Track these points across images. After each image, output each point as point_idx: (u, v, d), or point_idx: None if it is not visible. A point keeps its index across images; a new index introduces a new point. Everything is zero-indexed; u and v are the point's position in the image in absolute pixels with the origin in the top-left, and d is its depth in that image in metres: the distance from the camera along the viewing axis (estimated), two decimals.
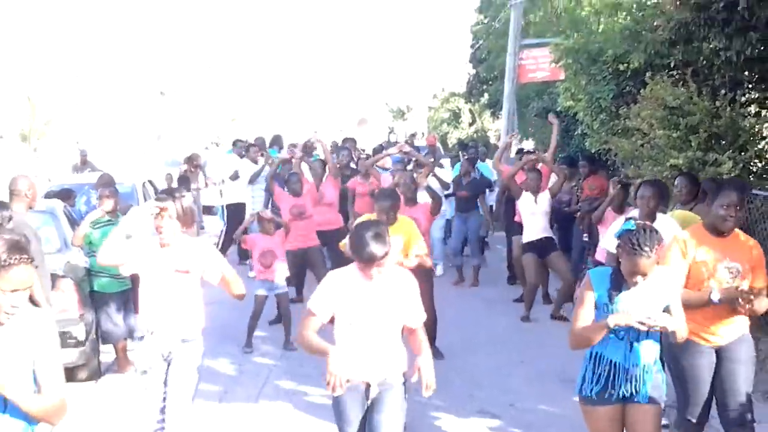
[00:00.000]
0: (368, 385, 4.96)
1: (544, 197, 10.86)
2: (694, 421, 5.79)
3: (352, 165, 13.75)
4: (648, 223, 4.88)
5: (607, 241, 7.41)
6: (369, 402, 4.98)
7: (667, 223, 6.95)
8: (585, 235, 12.23)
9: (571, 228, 12.76)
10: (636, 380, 4.83)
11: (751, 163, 9.59)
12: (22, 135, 38.64)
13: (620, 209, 9.27)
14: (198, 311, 5.89)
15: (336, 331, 4.98)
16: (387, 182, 11.58)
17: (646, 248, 4.59)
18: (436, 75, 41.34)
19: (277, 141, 17.50)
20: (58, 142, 35.25)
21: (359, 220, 7.61)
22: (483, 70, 24.88)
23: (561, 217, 13.48)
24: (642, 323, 4.53)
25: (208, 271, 5.79)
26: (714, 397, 5.79)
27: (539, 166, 11.27)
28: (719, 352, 5.70)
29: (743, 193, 5.74)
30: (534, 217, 10.81)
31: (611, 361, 4.87)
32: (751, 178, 9.59)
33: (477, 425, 7.38)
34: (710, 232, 5.69)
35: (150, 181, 14.89)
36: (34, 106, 38.89)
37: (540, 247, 10.84)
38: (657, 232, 4.70)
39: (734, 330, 5.67)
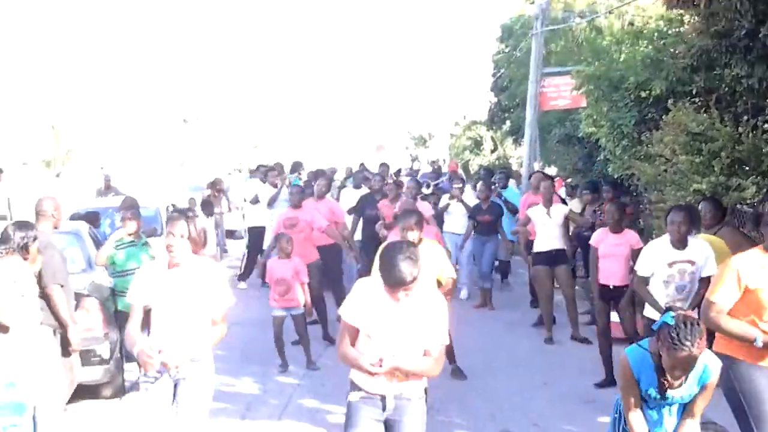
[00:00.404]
0: (384, 398, 4.94)
1: (558, 210, 10.95)
2: None
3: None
4: (689, 314, 4.58)
5: (641, 266, 7.48)
6: (385, 414, 4.95)
7: (700, 245, 6.99)
8: None
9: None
10: None
11: None
12: (45, 162, 38.97)
13: (617, 228, 9.18)
14: (207, 331, 5.78)
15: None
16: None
17: (687, 343, 4.37)
18: (457, 103, 41.32)
19: (297, 167, 17.68)
20: (81, 168, 35.53)
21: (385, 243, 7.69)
22: (505, 98, 24.97)
23: (584, 242, 13.52)
24: None
25: (212, 301, 5.75)
26: None
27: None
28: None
29: None
30: (545, 228, 10.91)
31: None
32: None
33: None
34: None
35: (173, 205, 15.05)
36: (57, 134, 39.25)
37: (550, 258, 10.89)
38: (699, 324, 4.47)
39: None
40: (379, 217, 12.40)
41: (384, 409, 4.94)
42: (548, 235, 10.91)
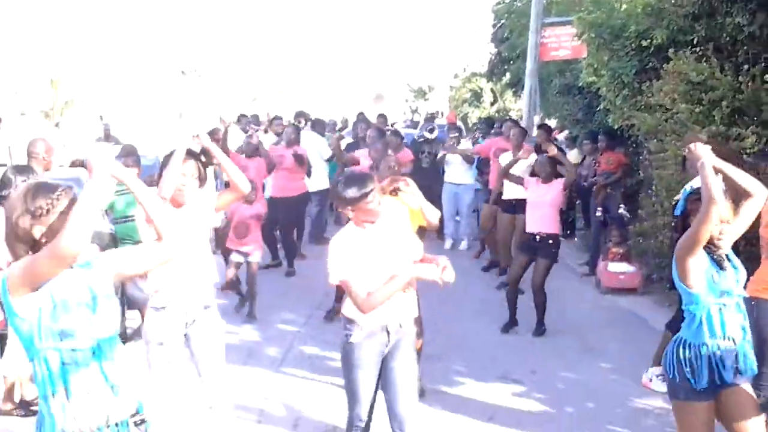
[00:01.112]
0: (387, 331, 4.94)
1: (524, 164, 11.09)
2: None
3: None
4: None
5: None
6: (388, 348, 4.98)
7: None
8: (599, 209, 12.31)
9: (587, 201, 12.89)
10: (735, 361, 4.58)
11: None
12: (44, 113, 38.85)
13: (548, 179, 9.29)
14: (213, 277, 5.73)
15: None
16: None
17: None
18: (457, 55, 41.06)
19: (300, 116, 17.59)
20: (80, 119, 35.42)
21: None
22: (505, 50, 24.80)
23: (582, 192, 13.58)
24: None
25: (215, 200, 5.72)
26: None
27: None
28: None
29: None
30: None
31: (715, 346, 4.59)
32: None
33: (499, 390, 7.47)
34: None
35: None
36: (56, 85, 39.10)
37: (515, 207, 10.90)
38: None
39: None
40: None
41: (387, 344, 4.96)
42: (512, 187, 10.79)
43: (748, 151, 9.09)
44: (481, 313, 10.03)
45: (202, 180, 5.62)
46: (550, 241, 9.20)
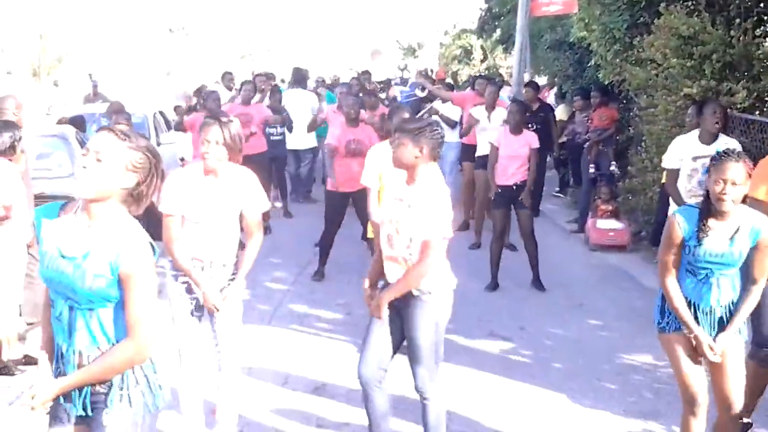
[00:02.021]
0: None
1: (499, 114, 11.13)
2: (765, 347, 5.54)
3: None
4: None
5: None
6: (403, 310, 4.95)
7: (728, 142, 6.89)
8: (592, 166, 12.26)
9: (579, 158, 12.83)
10: (715, 321, 4.61)
11: (765, 94, 9.52)
12: (32, 70, 38.57)
13: (518, 130, 9.28)
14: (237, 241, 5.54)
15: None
16: None
17: (731, 157, 4.39)
18: (447, 11, 40.76)
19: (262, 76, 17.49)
20: (70, 77, 35.17)
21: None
22: (495, 5, 24.59)
23: (573, 149, 13.53)
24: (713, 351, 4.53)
25: (248, 208, 5.44)
26: None
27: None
28: None
29: None
30: (485, 133, 10.94)
31: (689, 300, 4.64)
32: (765, 109, 9.54)
33: (488, 347, 7.47)
34: None
35: (161, 112, 14.94)
36: (45, 42, 38.77)
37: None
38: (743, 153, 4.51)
39: None
40: None
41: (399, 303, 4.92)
42: (486, 141, 10.71)
43: (738, 105, 9.05)
44: (469, 271, 9.97)
45: (230, 147, 5.26)
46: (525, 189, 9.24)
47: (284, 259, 10.27)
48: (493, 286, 9.28)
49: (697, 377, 4.66)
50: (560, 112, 15.15)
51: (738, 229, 4.49)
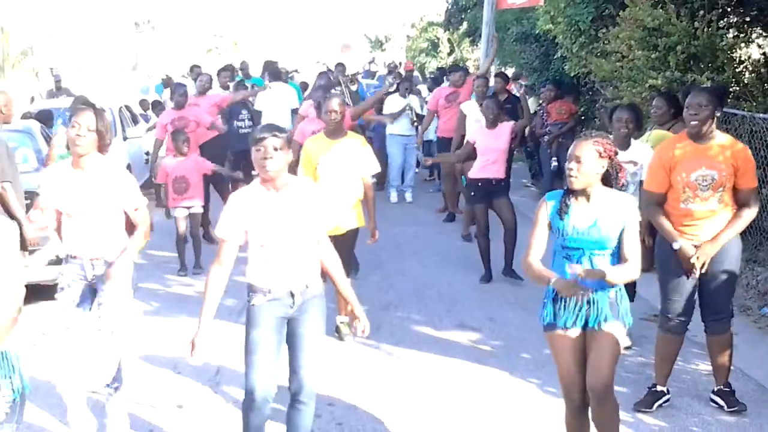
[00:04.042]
0: (292, 294, 4.68)
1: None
2: (670, 316, 5.88)
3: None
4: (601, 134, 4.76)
5: None
6: (292, 311, 4.72)
7: (643, 148, 6.94)
8: (554, 159, 12.33)
9: (538, 151, 12.89)
10: (592, 304, 4.65)
11: (729, 85, 9.61)
12: None
13: (493, 125, 9.34)
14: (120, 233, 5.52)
15: (249, 250, 4.79)
16: None
17: (587, 136, 4.61)
18: (414, 4, 40.74)
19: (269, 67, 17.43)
20: (36, 70, 34.86)
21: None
22: None
23: (536, 141, 13.60)
24: (582, 290, 4.54)
25: (121, 202, 5.40)
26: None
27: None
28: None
29: (711, 94, 5.68)
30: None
31: None
32: (729, 100, 9.63)
33: (457, 337, 7.51)
34: (692, 140, 5.69)
35: (127, 106, 14.87)
36: (7, 35, 38.35)
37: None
38: (604, 138, 4.63)
39: (718, 229, 5.68)
40: None
41: (292, 306, 4.70)
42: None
43: None
44: (440, 262, 10.05)
45: (102, 135, 5.21)
46: (503, 184, 9.38)
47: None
48: (488, 277, 9.32)
49: (577, 375, 4.73)
50: (532, 105, 15.22)
51: (604, 209, 4.59)
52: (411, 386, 6.40)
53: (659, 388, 6.01)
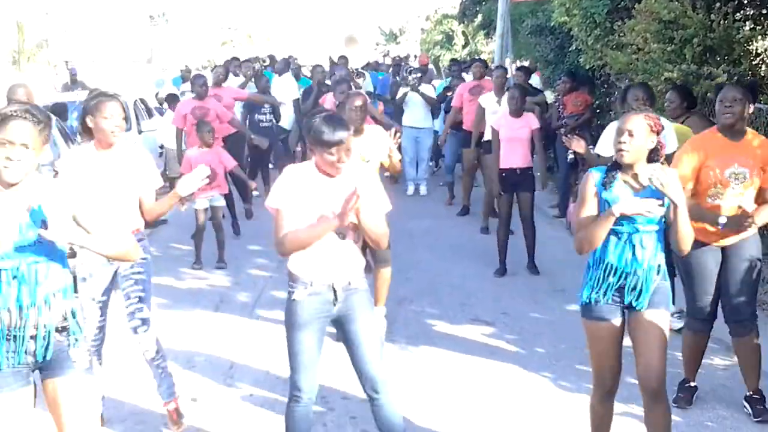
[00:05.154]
0: (334, 290, 4.56)
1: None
2: (698, 317, 5.85)
3: (327, 82, 13.63)
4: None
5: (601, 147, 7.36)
6: (335, 309, 4.60)
7: (666, 123, 6.88)
8: (570, 151, 12.27)
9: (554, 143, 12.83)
10: (639, 285, 4.56)
11: (745, 77, 9.55)
12: (12, 58, 38.32)
13: (518, 113, 9.35)
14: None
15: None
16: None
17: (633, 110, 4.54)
18: None
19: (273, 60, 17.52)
20: (50, 64, 35.00)
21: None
22: None
23: (551, 134, 13.53)
24: (648, 210, 4.34)
25: (143, 183, 5.40)
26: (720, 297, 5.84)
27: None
28: (725, 249, 5.71)
29: (745, 89, 5.65)
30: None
31: (612, 265, 4.61)
32: None
33: (471, 332, 7.49)
34: (724, 135, 5.63)
35: (142, 99, 14.91)
36: (23, 29, 38.50)
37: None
38: (652, 113, 4.58)
39: (742, 232, 5.65)
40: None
41: (335, 302, 4.58)
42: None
43: None
44: (454, 256, 10.04)
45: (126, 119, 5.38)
46: (529, 173, 9.34)
47: (267, 245, 10.24)
48: (502, 271, 9.33)
49: (614, 360, 4.72)
50: (549, 97, 15.18)
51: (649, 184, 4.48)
52: (424, 380, 6.40)
53: (692, 383, 6.00)
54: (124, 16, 45.16)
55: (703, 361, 6.22)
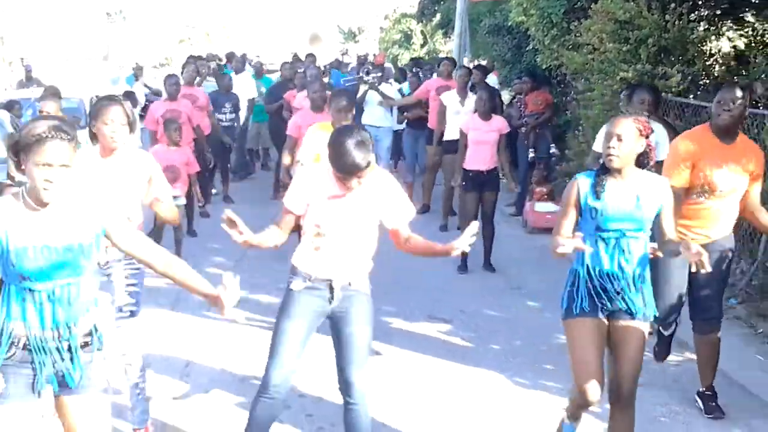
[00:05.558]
0: (331, 287, 4.58)
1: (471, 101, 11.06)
2: (660, 317, 5.70)
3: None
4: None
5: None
6: (331, 307, 4.60)
7: (657, 128, 6.91)
8: (531, 150, 12.38)
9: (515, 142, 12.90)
10: (625, 292, 4.53)
11: (699, 77, 9.69)
12: None
13: (487, 116, 9.41)
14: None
15: (304, 229, 4.67)
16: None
17: (626, 114, 4.52)
18: None
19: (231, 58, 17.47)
20: (5, 60, 34.56)
21: (312, 128, 7.56)
22: None
23: (510, 133, 13.61)
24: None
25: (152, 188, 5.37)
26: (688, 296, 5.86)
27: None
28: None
29: (744, 91, 5.60)
30: (458, 117, 10.84)
31: (597, 270, 4.56)
32: (699, 92, 9.71)
33: (427, 329, 7.53)
34: (716, 136, 5.59)
35: (97, 97, 14.76)
36: None
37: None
38: (642, 117, 4.58)
39: (719, 231, 5.67)
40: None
41: (331, 300, 4.59)
42: (458, 125, 10.65)
43: (673, 89, 9.19)
44: (411, 254, 10.02)
45: (131, 125, 5.18)
46: (494, 175, 9.44)
47: (226, 243, 10.16)
48: (464, 267, 9.41)
49: (595, 368, 4.52)
50: (506, 97, 15.27)
51: (642, 190, 4.48)
52: (380, 378, 6.40)
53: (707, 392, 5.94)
54: (81, 13, 44.71)
55: None
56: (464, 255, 9.34)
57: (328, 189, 4.49)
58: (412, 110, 12.98)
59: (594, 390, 4.51)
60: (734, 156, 5.55)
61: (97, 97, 14.47)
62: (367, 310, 4.69)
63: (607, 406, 4.80)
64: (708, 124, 5.70)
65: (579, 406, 4.73)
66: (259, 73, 16.20)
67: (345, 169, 4.33)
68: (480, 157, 9.31)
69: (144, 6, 49.71)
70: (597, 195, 4.47)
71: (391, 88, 13.91)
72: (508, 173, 9.65)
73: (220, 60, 17.77)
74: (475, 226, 4.60)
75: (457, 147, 9.97)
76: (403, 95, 13.55)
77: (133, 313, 5.31)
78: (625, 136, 4.39)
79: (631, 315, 4.54)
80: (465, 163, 9.38)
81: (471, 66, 16.52)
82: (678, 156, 5.63)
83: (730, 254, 5.79)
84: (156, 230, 9.44)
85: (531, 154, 12.35)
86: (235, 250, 9.83)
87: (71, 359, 3.70)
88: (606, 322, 4.60)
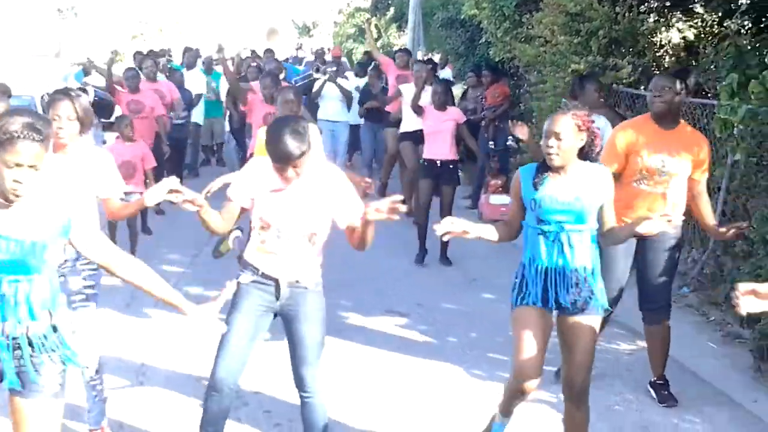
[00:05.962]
0: (277, 283, 4.53)
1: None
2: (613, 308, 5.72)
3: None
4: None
5: None
6: (279, 303, 4.56)
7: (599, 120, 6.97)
8: (491, 142, 12.43)
9: (476, 136, 12.95)
10: (573, 287, 4.50)
11: (650, 69, 9.77)
12: None
13: (442, 107, 9.58)
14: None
15: (252, 223, 4.61)
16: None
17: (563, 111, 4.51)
18: None
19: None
20: None
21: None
22: None
23: (468, 126, 13.67)
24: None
25: (104, 186, 5.22)
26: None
27: None
28: (645, 239, 5.42)
29: (675, 77, 5.71)
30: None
31: (542, 265, 4.55)
32: (649, 83, 9.78)
33: (385, 323, 7.54)
34: (656, 123, 5.67)
35: (48, 95, 14.59)
36: None
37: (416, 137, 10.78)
38: (582, 114, 4.50)
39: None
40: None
41: (277, 297, 4.55)
42: (412, 117, 10.63)
43: (624, 80, 9.28)
44: (370, 247, 10.03)
45: (82, 121, 5.00)
46: (451, 167, 9.53)
47: (181, 240, 10.14)
48: (422, 258, 9.50)
49: (533, 353, 4.48)
50: (458, 91, 15.31)
51: (583, 182, 4.48)
52: (338, 372, 6.40)
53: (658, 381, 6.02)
54: (32, 9, 44.16)
55: (609, 346, 6.37)
56: (422, 248, 9.43)
57: (271, 183, 4.45)
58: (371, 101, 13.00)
59: (530, 372, 4.48)
60: (674, 141, 5.62)
61: (48, 94, 14.40)
62: (318, 308, 4.65)
63: (560, 396, 4.84)
64: (650, 113, 5.78)
65: (513, 395, 4.66)
66: (209, 68, 16.07)
67: (278, 158, 4.27)
68: (436, 146, 9.44)
69: (96, 2, 49.20)
70: (535, 187, 4.49)
71: (348, 83, 13.91)
72: (480, 157, 9.72)
73: (170, 56, 17.60)
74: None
75: (414, 137, 10.04)
76: (360, 91, 13.55)
77: (88, 316, 5.23)
78: (564, 133, 4.37)
79: (581, 309, 4.53)
80: (423, 153, 9.53)
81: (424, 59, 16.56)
82: (614, 144, 5.72)
83: (675, 242, 5.82)
84: (110, 227, 9.36)
85: (491, 146, 12.41)
86: (191, 247, 9.82)
87: (20, 358, 3.61)
88: (554, 315, 4.62)
